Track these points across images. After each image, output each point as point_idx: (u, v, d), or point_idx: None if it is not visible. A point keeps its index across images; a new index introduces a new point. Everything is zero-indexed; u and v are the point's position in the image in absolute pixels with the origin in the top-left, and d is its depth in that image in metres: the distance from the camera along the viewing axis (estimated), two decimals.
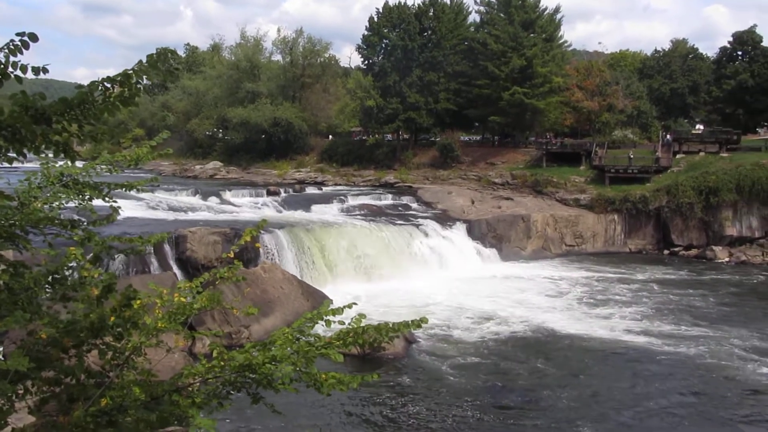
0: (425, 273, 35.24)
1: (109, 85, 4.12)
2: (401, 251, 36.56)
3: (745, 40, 69.73)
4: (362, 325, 5.08)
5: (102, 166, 6.26)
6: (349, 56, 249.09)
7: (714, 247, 44.38)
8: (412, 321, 5.06)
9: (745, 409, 19.19)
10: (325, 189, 53.83)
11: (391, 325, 5.03)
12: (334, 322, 5.31)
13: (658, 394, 20.12)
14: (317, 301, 26.19)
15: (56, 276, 5.18)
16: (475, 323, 27.28)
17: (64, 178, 6.03)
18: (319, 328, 5.24)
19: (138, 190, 6.87)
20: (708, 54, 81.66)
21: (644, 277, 37.93)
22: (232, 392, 5.09)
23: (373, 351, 22.69)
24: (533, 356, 23.65)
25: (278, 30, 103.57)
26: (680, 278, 38.07)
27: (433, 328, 26.14)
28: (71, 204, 6.15)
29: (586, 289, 34.45)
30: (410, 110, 60.69)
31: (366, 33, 64.17)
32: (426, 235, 39.06)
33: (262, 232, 30.42)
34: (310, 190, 52.12)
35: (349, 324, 5.11)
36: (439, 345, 24.58)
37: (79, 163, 6.10)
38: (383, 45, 63.59)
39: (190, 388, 5.03)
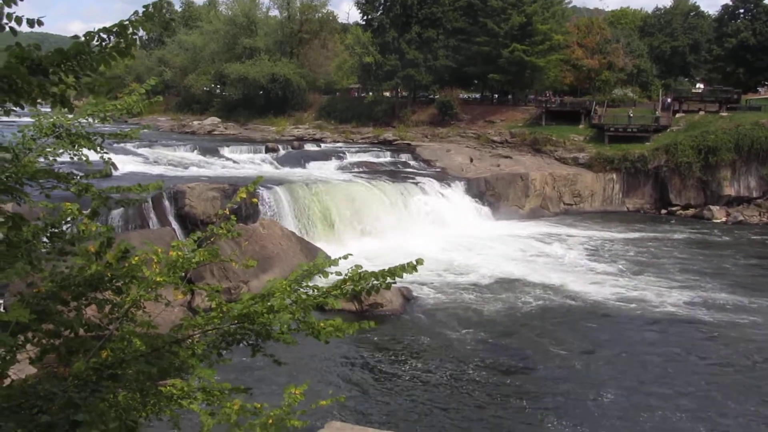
0: (424, 231, 35.29)
1: (105, 36, 4.06)
2: (400, 209, 36.56)
3: None
4: (359, 272, 5.09)
5: (94, 117, 6.22)
6: (348, 12, 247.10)
7: (712, 207, 44.44)
8: (407, 263, 5.05)
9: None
10: (323, 146, 53.54)
11: (387, 270, 5.03)
12: (332, 273, 5.33)
13: (689, 367, 19.25)
14: (316, 258, 26.28)
15: (54, 230, 5.17)
16: (475, 281, 27.35)
17: (57, 129, 5.99)
18: (317, 281, 5.27)
19: (132, 139, 6.94)
20: (710, 12, 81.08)
21: (651, 236, 37.93)
22: (231, 343, 5.12)
23: (371, 308, 22.87)
24: (541, 318, 23.24)
25: None
26: (695, 239, 37.89)
27: (432, 286, 26.25)
28: (65, 157, 6.13)
29: (594, 249, 34.40)
30: (409, 67, 60.09)
31: None
32: (425, 192, 39.04)
33: (260, 188, 30.48)
34: (309, 146, 51.84)
35: (346, 274, 5.12)
36: (438, 302, 24.64)
37: (69, 115, 6.06)
38: (382, 0, 62.73)
39: (190, 340, 5.06)
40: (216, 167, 40.51)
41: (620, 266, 30.63)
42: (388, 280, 5.03)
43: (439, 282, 26.82)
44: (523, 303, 24.82)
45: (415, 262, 5.07)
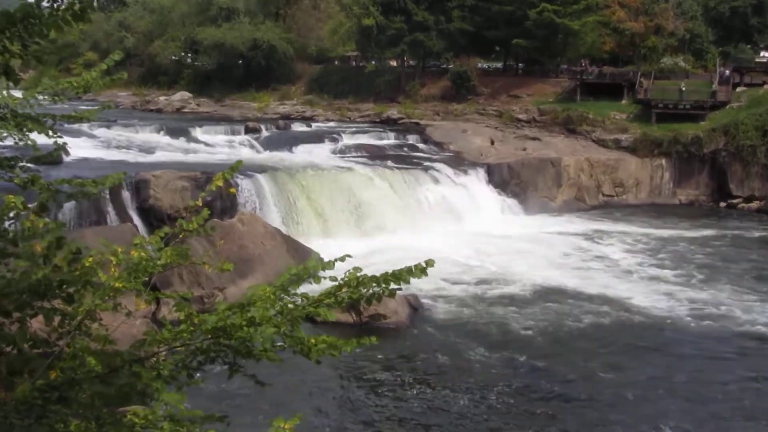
0: (436, 227, 35.22)
1: None
2: (407, 201, 36.55)
3: None
4: (358, 276, 5.03)
5: (44, 96, 6.22)
6: None
7: None
8: (415, 266, 5.01)
9: None
10: (314, 126, 53.54)
11: (391, 274, 4.98)
12: (325, 278, 5.29)
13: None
14: (305, 260, 26.23)
15: None
16: (496, 289, 27.16)
17: (1, 111, 5.99)
18: (307, 288, 5.24)
19: (89, 121, 6.91)
20: None
21: (718, 235, 37.31)
22: (204, 362, 5.10)
23: (372, 319, 22.84)
24: (591, 338, 22.67)
25: None
26: None
27: (445, 293, 26.13)
28: (9, 142, 6.13)
29: (653, 250, 33.79)
30: (417, 31, 59.90)
31: None
32: (436, 181, 39.04)
33: (239, 176, 30.46)
34: (297, 126, 51.89)
35: (342, 279, 5.07)
36: (454, 315, 24.42)
37: (17, 93, 6.06)
38: None
39: (155, 359, 5.05)
40: (186, 151, 40.47)
41: (689, 272, 29.85)
42: (393, 286, 5.00)
43: (456, 290, 26.64)
44: (567, 319, 24.12)
45: (424, 265, 5.04)
